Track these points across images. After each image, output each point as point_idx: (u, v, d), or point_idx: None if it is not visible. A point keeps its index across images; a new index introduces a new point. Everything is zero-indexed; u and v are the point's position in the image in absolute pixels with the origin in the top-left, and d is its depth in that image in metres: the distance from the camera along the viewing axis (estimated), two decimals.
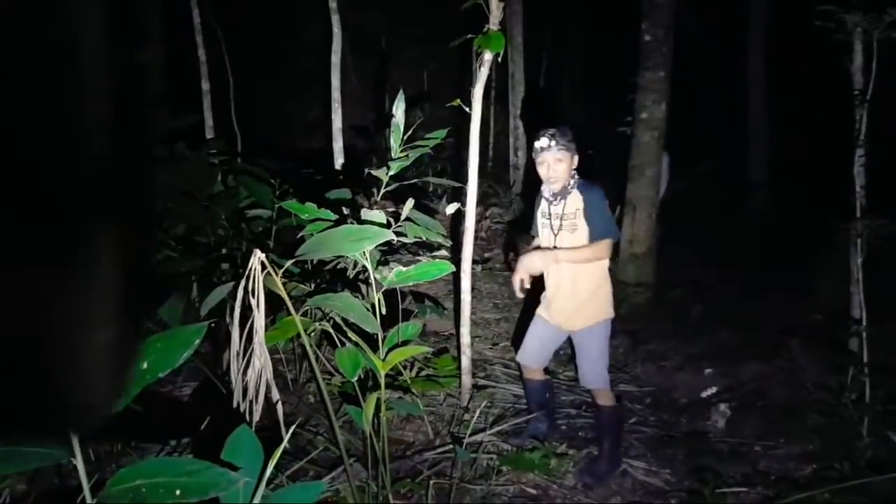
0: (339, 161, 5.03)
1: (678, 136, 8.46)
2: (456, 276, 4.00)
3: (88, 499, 1.27)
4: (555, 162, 3.07)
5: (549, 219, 3.21)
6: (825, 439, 3.50)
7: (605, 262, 3.18)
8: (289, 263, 2.22)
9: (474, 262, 5.52)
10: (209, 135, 5.60)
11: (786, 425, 3.71)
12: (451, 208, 3.84)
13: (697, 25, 10.54)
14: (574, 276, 3.17)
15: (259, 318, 2.10)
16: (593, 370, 3.21)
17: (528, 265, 3.09)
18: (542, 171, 3.14)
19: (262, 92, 8.47)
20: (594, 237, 3.06)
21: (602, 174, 8.61)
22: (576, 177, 3.15)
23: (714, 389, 4.22)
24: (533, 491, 3.23)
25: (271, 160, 5.17)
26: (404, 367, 3.79)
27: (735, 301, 5.50)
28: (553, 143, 3.06)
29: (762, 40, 8.97)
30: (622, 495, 3.27)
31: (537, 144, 3.11)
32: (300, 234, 2.83)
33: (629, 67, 5.83)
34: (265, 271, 2.10)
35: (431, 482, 3.06)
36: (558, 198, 3.15)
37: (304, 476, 2.98)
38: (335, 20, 5.04)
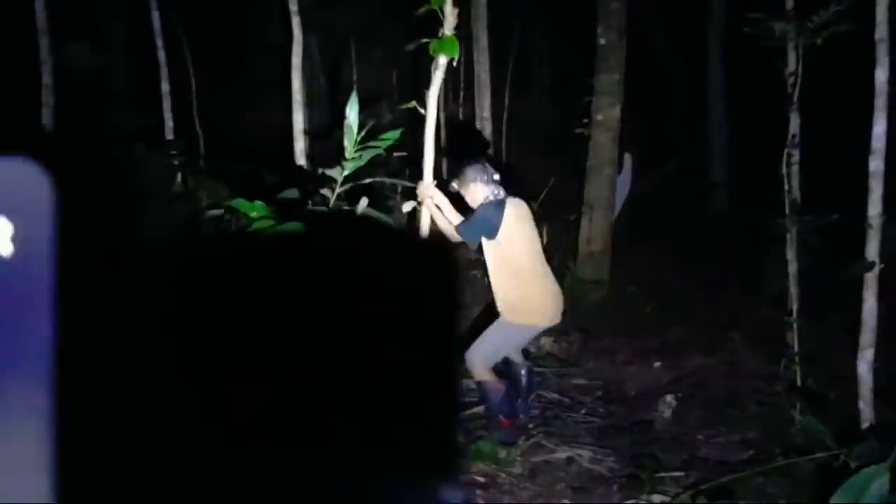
0: (300, 162, 5.10)
1: (643, 137, 8.62)
2: None
3: None
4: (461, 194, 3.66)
5: None
6: (761, 427, 3.67)
7: (513, 280, 3.50)
8: None
9: None
10: (169, 136, 5.64)
11: (726, 414, 3.87)
12: (407, 206, 3.94)
13: (661, 28, 10.76)
14: (490, 272, 3.58)
15: None
16: (475, 346, 3.54)
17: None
18: None
19: (226, 94, 8.49)
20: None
21: (567, 175, 8.78)
22: (488, 198, 3.56)
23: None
24: (482, 479, 3.35)
25: (234, 162, 5.22)
26: None
27: (688, 298, 5.66)
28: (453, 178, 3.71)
29: (721, 43, 9.19)
30: (567, 482, 3.40)
31: None
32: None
33: (590, 70, 5.96)
34: None
35: None
36: None
37: None
38: (296, 22, 5.10)
